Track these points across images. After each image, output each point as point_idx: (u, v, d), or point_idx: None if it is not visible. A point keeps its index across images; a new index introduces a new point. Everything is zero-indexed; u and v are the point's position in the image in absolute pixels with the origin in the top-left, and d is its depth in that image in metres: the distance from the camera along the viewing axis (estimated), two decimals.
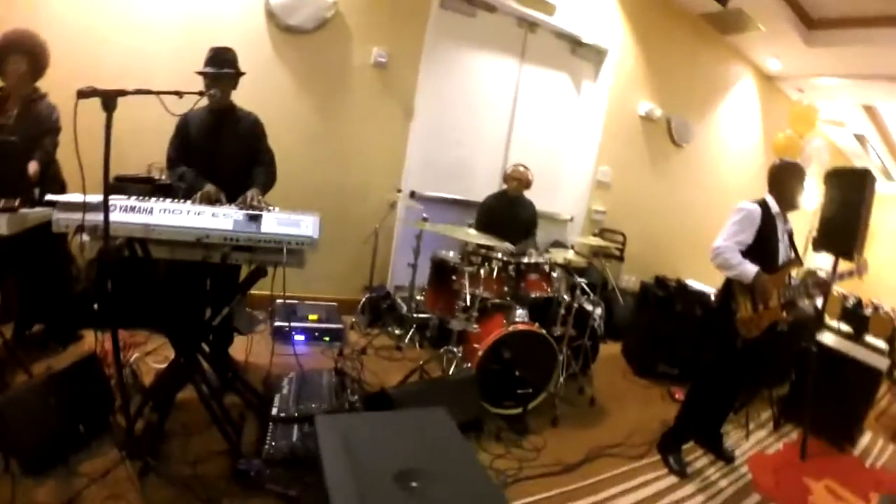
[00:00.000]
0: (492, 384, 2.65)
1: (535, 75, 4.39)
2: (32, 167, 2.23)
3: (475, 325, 2.79)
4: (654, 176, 5.08)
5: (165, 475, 1.81)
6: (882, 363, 3.22)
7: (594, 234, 4.41)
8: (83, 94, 1.62)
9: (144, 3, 3.00)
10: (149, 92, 1.75)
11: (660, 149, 5.08)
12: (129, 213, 1.78)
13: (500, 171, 4.13)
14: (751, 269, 2.39)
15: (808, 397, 3.00)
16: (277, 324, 3.09)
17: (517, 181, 3.54)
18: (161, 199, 1.98)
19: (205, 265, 1.99)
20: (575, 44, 4.45)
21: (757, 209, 2.45)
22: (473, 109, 4.20)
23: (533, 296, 2.95)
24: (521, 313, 2.81)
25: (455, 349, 2.80)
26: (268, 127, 2.58)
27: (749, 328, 2.45)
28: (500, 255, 2.94)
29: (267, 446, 1.93)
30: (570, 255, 3.07)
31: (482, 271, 2.87)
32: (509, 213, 3.55)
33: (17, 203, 2.00)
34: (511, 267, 2.98)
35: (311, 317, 3.26)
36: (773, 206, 2.49)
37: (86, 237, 1.80)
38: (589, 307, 3.28)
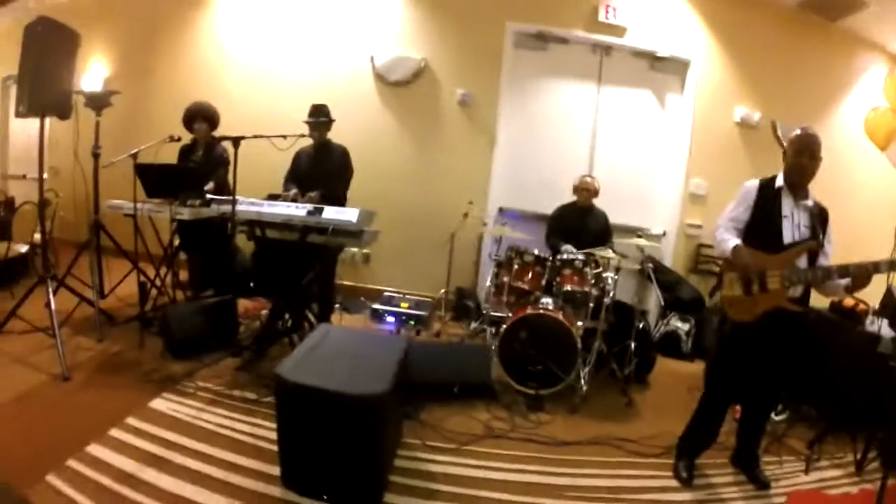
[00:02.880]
0: (515, 363, 3.01)
1: (615, 95, 4.70)
2: (209, 185, 3.58)
3: (509, 312, 3.25)
4: None
5: (253, 372, 2.83)
6: None
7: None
8: (220, 139, 2.98)
9: (291, 75, 4.48)
10: (262, 136, 2.95)
11: (764, 156, 4.69)
12: (249, 206, 2.97)
13: None
14: (730, 243, 2.31)
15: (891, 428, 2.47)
16: (374, 306, 3.97)
17: (585, 191, 3.86)
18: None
19: (307, 254, 3.07)
20: (653, 59, 4.62)
21: (753, 185, 2.38)
22: (554, 134, 4.70)
23: (566, 289, 3.24)
24: (545, 301, 3.14)
25: (491, 330, 3.30)
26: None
27: (738, 310, 2.32)
28: (536, 252, 3.37)
29: None
30: (609, 254, 3.28)
31: (516, 265, 3.33)
32: (580, 221, 3.85)
33: (197, 203, 3.33)
34: (549, 262, 3.36)
35: (402, 304, 3.98)
36: (779, 181, 2.35)
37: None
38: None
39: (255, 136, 2.94)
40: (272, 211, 2.94)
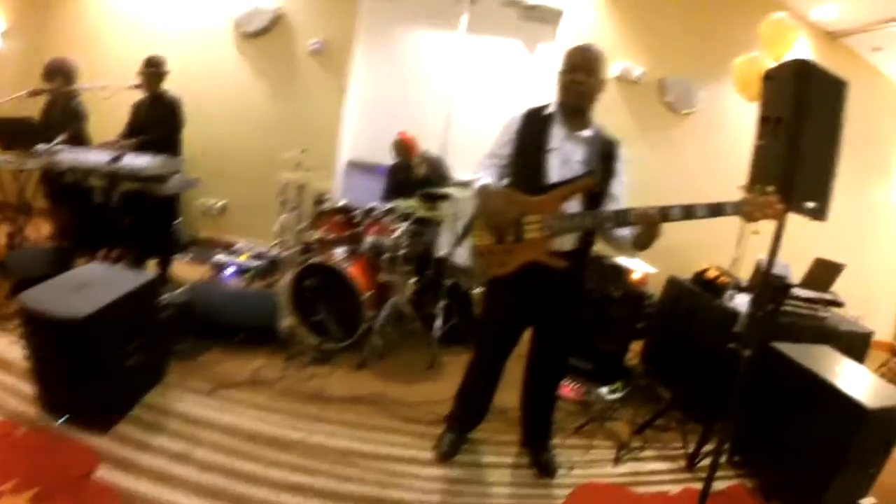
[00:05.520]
0: (305, 312, 3.40)
1: (481, 45, 4.98)
2: (62, 137, 4.02)
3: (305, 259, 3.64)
4: (647, 146, 4.94)
5: None
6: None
7: None
8: (35, 93, 3.57)
9: (160, 28, 4.95)
10: (80, 88, 3.71)
11: (651, 115, 4.97)
12: (64, 154, 3.58)
13: (441, 139, 4.91)
14: (479, 182, 2.15)
15: (730, 422, 2.39)
16: (215, 258, 4.57)
17: (397, 150, 4.33)
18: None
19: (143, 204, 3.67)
20: (524, 8, 4.86)
21: (518, 114, 2.21)
22: (413, 85, 5.10)
23: (367, 239, 3.60)
24: (339, 251, 3.49)
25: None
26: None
27: (490, 262, 2.16)
28: (338, 201, 3.79)
29: None
30: (412, 203, 3.63)
31: (315, 214, 3.81)
32: (407, 176, 4.28)
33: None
34: (353, 212, 3.75)
35: (243, 255, 4.61)
36: (551, 107, 2.16)
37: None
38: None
39: (71, 89, 3.62)
40: (82, 158, 3.53)
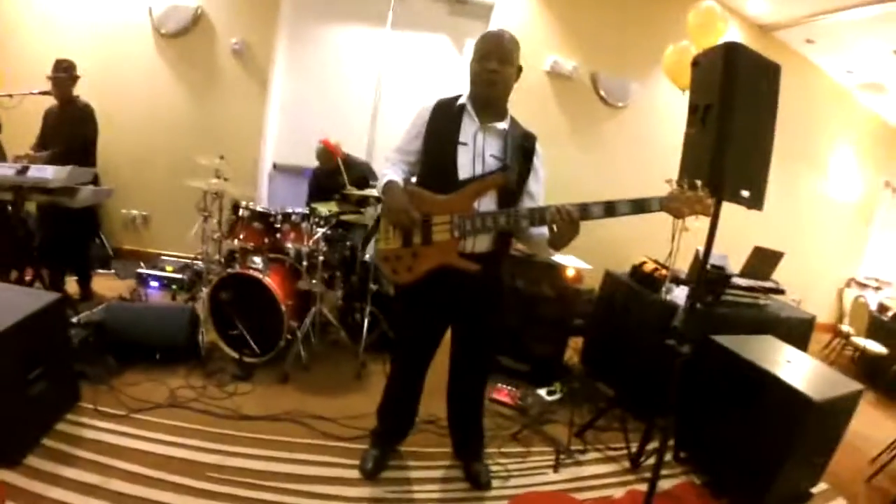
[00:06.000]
0: (224, 326, 3.28)
1: (407, 41, 4.93)
2: None
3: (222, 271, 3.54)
4: (580, 141, 4.98)
5: None
6: (833, 389, 2.44)
7: None
8: None
9: (68, 26, 4.71)
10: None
11: (585, 109, 5.00)
12: None
13: (367, 138, 4.89)
14: (385, 179, 2.04)
15: (671, 418, 2.37)
16: (139, 271, 4.40)
17: (319, 157, 4.24)
18: None
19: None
20: (454, 3, 4.82)
21: (429, 105, 2.07)
22: (336, 83, 5.02)
23: (286, 247, 3.52)
24: (256, 260, 3.38)
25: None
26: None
27: (396, 268, 2.03)
28: (253, 207, 3.60)
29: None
30: (332, 207, 3.52)
31: (231, 221, 3.65)
32: (330, 181, 4.12)
33: None
34: (271, 218, 3.58)
35: (168, 269, 4.46)
36: (463, 98, 2.05)
37: None
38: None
39: None
40: None
